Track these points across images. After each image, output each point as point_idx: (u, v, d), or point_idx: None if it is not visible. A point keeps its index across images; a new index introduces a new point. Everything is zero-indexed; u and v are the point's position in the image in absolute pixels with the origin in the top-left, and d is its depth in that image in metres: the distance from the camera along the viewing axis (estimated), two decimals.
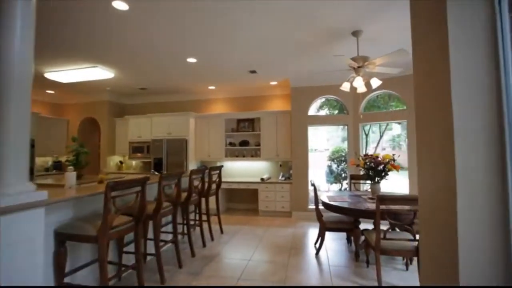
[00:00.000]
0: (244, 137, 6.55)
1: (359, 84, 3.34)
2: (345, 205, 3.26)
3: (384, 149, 10.43)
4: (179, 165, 6.22)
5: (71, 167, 2.96)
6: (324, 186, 10.07)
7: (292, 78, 5.62)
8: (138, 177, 2.49)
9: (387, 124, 8.10)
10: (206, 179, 4.21)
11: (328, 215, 3.66)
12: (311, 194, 5.07)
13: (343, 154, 8.41)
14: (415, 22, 1.43)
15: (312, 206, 5.37)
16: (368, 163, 3.59)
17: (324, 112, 9.03)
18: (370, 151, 5.84)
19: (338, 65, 4.15)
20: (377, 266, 2.77)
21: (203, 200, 4.19)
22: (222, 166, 4.70)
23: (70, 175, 2.82)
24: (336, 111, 8.64)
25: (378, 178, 3.59)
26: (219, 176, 4.57)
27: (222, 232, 4.58)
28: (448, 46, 1.12)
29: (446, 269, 1.18)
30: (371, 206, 3.10)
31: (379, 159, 3.54)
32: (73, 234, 2.20)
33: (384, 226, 2.73)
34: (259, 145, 6.25)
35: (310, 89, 5.68)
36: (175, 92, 6.83)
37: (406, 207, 2.61)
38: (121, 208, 2.27)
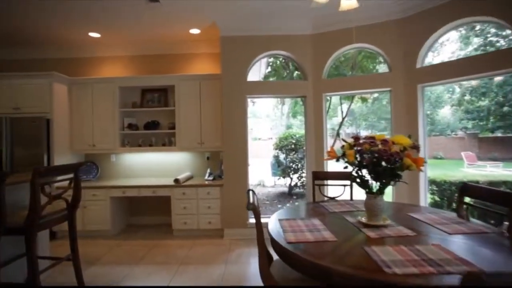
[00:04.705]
0: (152, 116, 4.30)
1: None
2: (328, 261, 1.36)
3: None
4: (35, 162, 3.70)
5: None
6: (269, 181, 8.36)
7: (222, 21, 3.56)
8: None
9: (353, 99, 6.60)
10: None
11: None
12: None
13: (293, 141, 6.73)
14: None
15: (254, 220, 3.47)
16: (363, 155, 1.76)
17: None
18: (329, 141, 4.22)
19: None
20: None
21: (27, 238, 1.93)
22: (81, 164, 2.43)
23: None
24: None
25: (380, 184, 1.80)
26: (75, 184, 2.31)
27: None
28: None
29: None
30: (385, 255, 1.27)
31: (386, 147, 1.73)
32: None
33: None
34: (174, 128, 4.08)
35: (249, 40, 3.69)
36: (31, 42, 4.16)
37: None
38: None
